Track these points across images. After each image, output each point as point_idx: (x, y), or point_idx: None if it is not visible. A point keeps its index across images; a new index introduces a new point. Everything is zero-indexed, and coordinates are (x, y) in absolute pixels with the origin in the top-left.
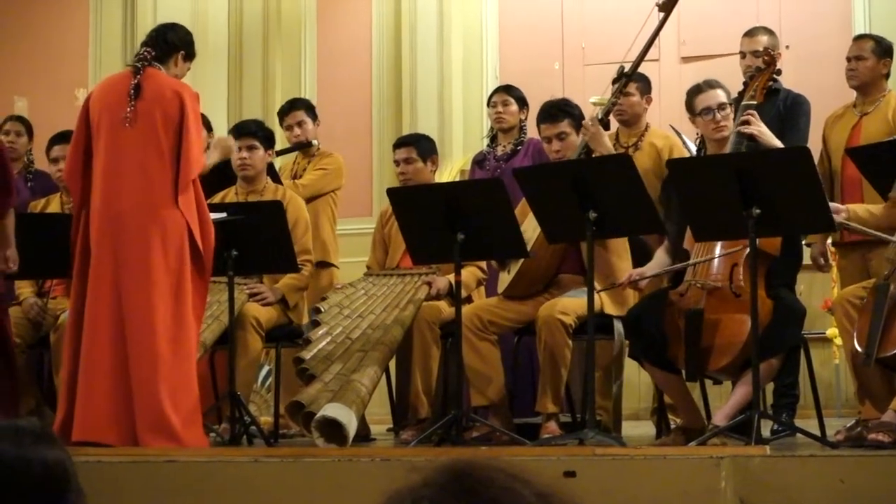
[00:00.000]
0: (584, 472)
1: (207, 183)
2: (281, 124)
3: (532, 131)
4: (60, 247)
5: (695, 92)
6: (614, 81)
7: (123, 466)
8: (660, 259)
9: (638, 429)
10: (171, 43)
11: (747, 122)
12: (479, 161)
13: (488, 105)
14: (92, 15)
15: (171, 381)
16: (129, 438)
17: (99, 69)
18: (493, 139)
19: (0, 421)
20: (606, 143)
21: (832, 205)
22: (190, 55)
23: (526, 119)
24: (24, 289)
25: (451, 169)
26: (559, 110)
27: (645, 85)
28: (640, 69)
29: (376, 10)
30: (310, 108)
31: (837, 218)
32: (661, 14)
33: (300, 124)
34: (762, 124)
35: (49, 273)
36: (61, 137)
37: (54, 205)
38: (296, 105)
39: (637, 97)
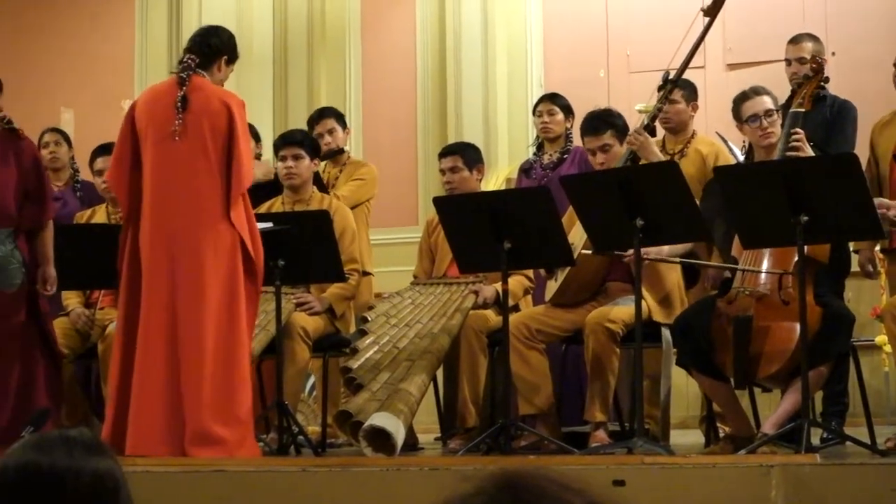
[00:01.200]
0: (633, 481)
1: (253, 193)
2: (310, 133)
3: (578, 139)
4: (107, 257)
5: (741, 99)
6: (660, 88)
7: (172, 476)
8: (679, 247)
9: (686, 437)
10: (214, 48)
11: (795, 149)
12: (525, 170)
13: (534, 114)
14: (137, 26)
15: (222, 395)
16: (180, 452)
17: (144, 80)
18: (540, 148)
19: (51, 431)
20: (655, 152)
21: (880, 200)
22: (232, 59)
23: (572, 127)
24: (72, 299)
25: (496, 177)
26: (601, 122)
27: (690, 92)
28: (686, 76)
29: (420, 18)
30: (339, 117)
31: (889, 213)
32: (707, 19)
33: (330, 132)
34: (808, 148)
35: (96, 284)
36: (104, 149)
37: (100, 215)
38: (325, 113)
39: (683, 104)
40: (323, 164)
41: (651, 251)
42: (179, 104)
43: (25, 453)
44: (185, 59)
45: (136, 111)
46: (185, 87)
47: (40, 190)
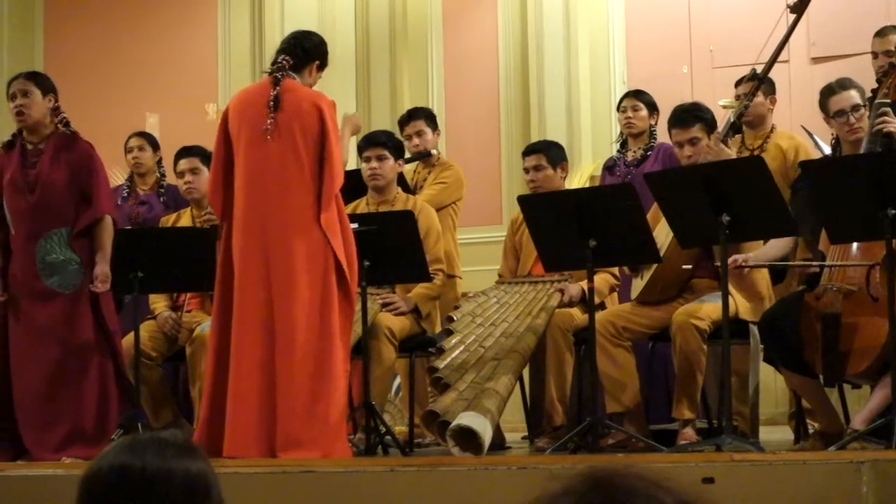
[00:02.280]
0: (723, 479)
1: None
2: (401, 134)
3: (662, 136)
4: (193, 261)
5: (828, 93)
6: (737, 84)
7: (261, 477)
8: (770, 250)
9: (775, 434)
10: (308, 52)
11: (883, 122)
12: (609, 167)
13: (618, 110)
14: (220, 31)
15: (313, 399)
16: (271, 455)
17: (228, 84)
18: (623, 145)
19: (144, 433)
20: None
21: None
22: (323, 65)
23: (656, 124)
24: (159, 303)
25: (580, 175)
26: (690, 115)
27: (769, 85)
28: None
29: (502, 17)
30: (430, 118)
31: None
32: (793, 15)
33: (419, 134)
34: None
35: (183, 287)
36: (187, 151)
37: (185, 219)
38: (415, 114)
39: (761, 97)
40: (414, 165)
41: (739, 258)
42: (272, 103)
43: (118, 455)
44: (279, 60)
45: (230, 112)
46: (278, 88)
47: (91, 188)
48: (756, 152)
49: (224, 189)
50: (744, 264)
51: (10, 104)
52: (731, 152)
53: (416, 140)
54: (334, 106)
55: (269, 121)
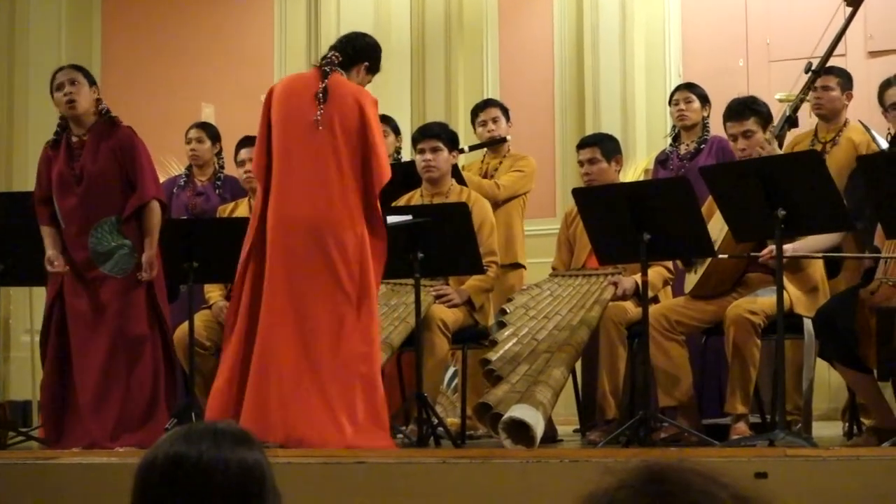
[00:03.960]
0: (776, 474)
1: (392, 185)
2: (473, 120)
3: (715, 129)
4: None
5: (885, 86)
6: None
7: (314, 468)
8: (818, 241)
9: (828, 429)
10: (358, 51)
11: None
12: (661, 160)
13: (670, 103)
14: (276, 21)
15: (342, 393)
16: (294, 442)
17: (283, 74)
18: (676, 138)
19: (199, 423)
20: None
21: None
22: (373, 69)
23: (708, 116)
24: (214, 292)
25: (635, 168)
26: (745, 108)
27: (846, 81)
28: (838, 66)
29: (558, 10)
30: (504, 109)
31: None
32: (850, 9)
33: (495, 120)
34: None
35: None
36: (249, 140)
37: (242, 209)
38: (491, 102)
39: (837, 91)
40: (481, 154)
41: (788, 248)
42: (321, 95)
43: (174, 445)
44: (329, 55)
45: (273, 99)
46: (325, 81)
47: (135, 174)
48: (828, 146)
49: (266, 174)
50: (793, 254)
51: (58, 94)
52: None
53: (491, 126)
54: (376, 104)
55: (318, 112)
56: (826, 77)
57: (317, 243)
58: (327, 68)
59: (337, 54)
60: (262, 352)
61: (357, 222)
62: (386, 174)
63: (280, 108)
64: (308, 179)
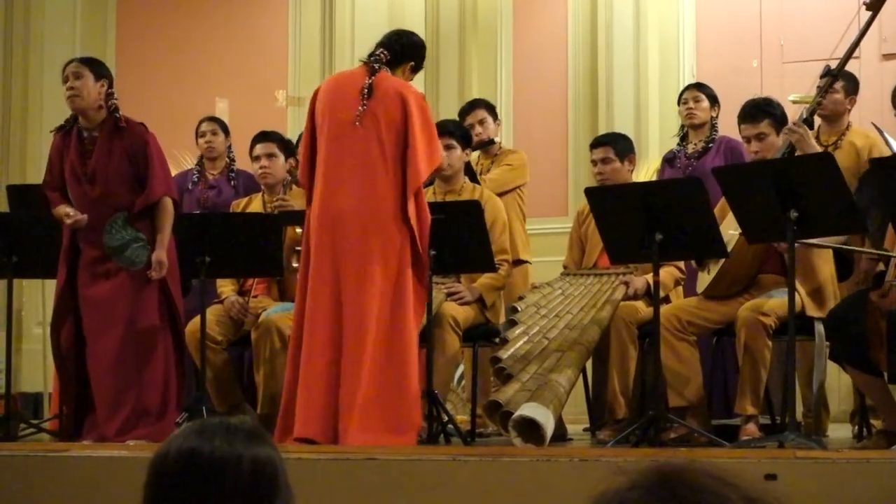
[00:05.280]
0: (786, 475)
1: None
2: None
3: (724, 129)
4: (260, 246)
5: None
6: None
7: (325, 464)
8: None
9: (838, 431)
10: (405, 50)
11: None
12: (669, 159)
13: (679, 102)
14: (291, 18)
15: (383, 384)
16: (332, 437)
17: (298, 71)
18: (684, 138)
19: (212, 418)
20: (813, 144)
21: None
22: (418, 67)
23: (717, 117)
24: (226, 287)
25: (647, 168)
26: (759, 110)
27: (851, 84)
28: (845, 69)
29: (572, 9)
30: (490, 108)
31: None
32: (869, 13)
33: (481, 122)
34: None
35: (250, 272)
36: (264, 136)
37: (256, 204)
38: (477, 104)
39: (841, 95)
40: (475, 154)
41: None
42: (366, 90)
43: (187, 440)
44: (376, 53)
45: (318, 96)
46: (373, 77)
47: (147, 172)
48: (830, 149)
49: (311, 174)
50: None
51: (64, 87)
52: (812, 140)
53: (478, 129)
54: (423, 97)
55: (360, 107)
56: (824, 80)
57: (357, 241)
58: (375, 65)
59: (385, 52)
60: (308, 353)
61: (400, 220)
62: (421, 173)
63: (325, 106)
64: (352, 175)
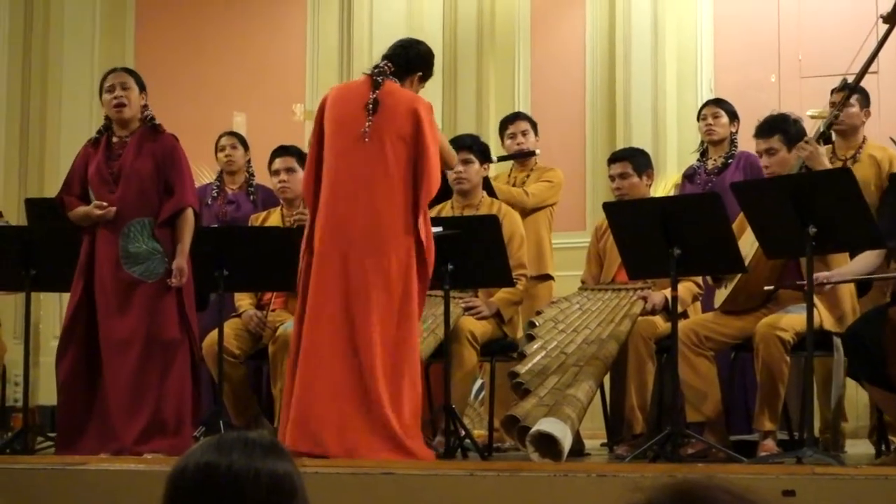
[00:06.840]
0: (804, 492)
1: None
2: (502, 133)
3: (743, 145)
4: (278, 260)
5: None
6: (833, 92)
7: (342, 478)
8: (856, 265)
9: (856, 448)
10: (412, 61)
11: None
12: (689, 175)
13: (698, 118)
14: (308, 31)
15: (388, 401)
16: (347, 450)
17: (315, 85)
18: (704, 153)
19: (230, 432)
20: (824, 162)
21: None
22: (427, 77)
23: (737, 132)
24: (244, 301)
25: (665, 183)
26: (771, 126)
27: (865, 98)
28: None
29: (590, 23)
30: (532, 122)
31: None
32: (886, 26)
33: (524, 133)
34: None
35: (268, 286)
36: (283, 150)
37: (274, 218)
38: (520, 115)
39: (856, 108)
40: (508, 166)
41: (823, 275)
42: (371, 106)
43: (205, 454)
44: (381, 65)
45: (326, 107)
46: (377, 91)
47: (175, 179)
48: (849, 162)
49: (315, 186)
50: (826, 281)
51: (107, 96)
52: (824, 157)
53: (520, 139)
54: (432, 110)
55: (367, 124)
56: (840, 94)
57: (362, 256)
58: (378, 78)
59: (390, 64)
60: (312, 367)
61: (405, 235)
62: (434, 184)
63: (331, 119)
64: (356, 190)
